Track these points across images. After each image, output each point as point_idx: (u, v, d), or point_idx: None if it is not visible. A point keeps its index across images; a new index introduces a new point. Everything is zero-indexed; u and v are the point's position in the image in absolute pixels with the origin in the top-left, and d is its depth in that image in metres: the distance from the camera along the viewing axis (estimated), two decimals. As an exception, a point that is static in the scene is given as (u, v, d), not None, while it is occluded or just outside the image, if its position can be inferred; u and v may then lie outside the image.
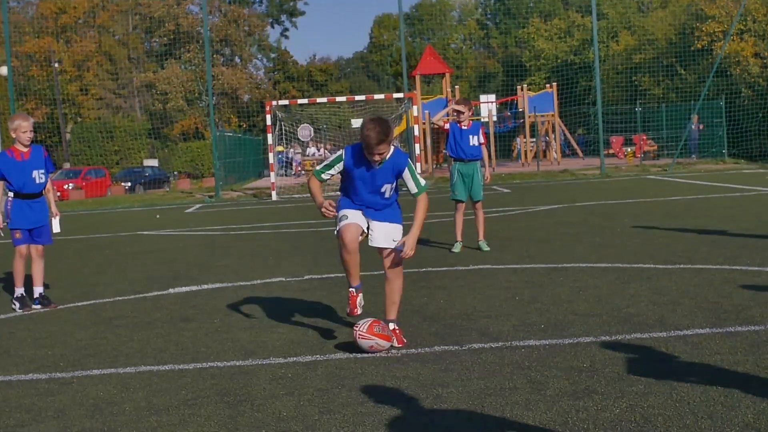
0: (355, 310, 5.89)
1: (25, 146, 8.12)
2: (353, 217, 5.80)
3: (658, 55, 42.29)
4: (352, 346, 5.85)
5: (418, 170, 25.28)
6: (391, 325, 5.85)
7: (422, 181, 5.78)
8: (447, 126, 10.54)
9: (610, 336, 5.76)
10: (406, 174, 5.73)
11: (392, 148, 5.72)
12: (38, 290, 8.33)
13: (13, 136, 8.10)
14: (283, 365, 5.55)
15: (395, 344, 5.79)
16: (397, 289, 5.89)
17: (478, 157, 10.58)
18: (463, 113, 10.45)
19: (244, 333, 6.57)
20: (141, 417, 4.65)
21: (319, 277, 9.24)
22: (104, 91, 58.38)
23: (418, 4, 74.88)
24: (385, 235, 5.83)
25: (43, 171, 8.21)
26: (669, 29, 42.39)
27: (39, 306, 8.27)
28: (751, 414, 4.09)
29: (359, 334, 5.62)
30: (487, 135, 11.41)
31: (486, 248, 10.48)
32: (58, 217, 8.59)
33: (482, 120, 33.09)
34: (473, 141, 10.48)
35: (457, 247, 10.61)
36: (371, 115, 5.66)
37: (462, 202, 10.69)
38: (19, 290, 8.25)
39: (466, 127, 10.47)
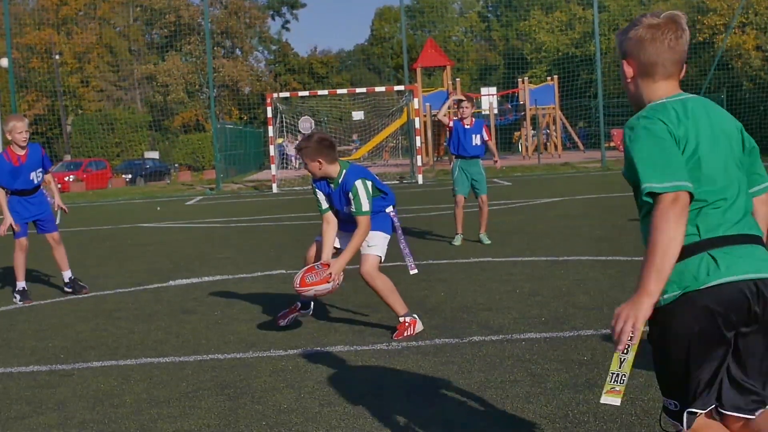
0: (281, 321, 6.16)
1: (22, 147, 8.04)
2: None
3: (660, 48, 42.21)
4: (353, 339, 5.88)
5: (419, 162, 25.24)
6: (401, 319, 5.88)
7: (365, 205, 5.69)
8: (451, 124, 10.59)
9: (610, 329, 5.75)
10: (351, 195, 5.71)
11: (343, 171, 5.78)
12: (67, 275, 8.43)
13: (9, 138, 8.02)
14: (283, 357, 5.55)
15: (393, 336, 5.82)
16: (379, 292, 5.89)
17: (480, 154, 10.66)
18: (465, 103, 10.65)
19: (244, 325, 6.58)
20: (141, 409, 4.65)
21: (319, 269, 9.23)
22: (105, 83, 58.28)
23: (419, -3, 74.70)
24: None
25: (40, 170, 8.20)
26: (670, 22, 42.31)
27: (71, 290, 8.38)
28: (752, 407, 4.08)
29: (297, 290, 5.85)
30: (489, 128, 11.49)
31: (487, 241, 10.48)
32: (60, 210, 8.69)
33: (483, 113, 33.05)
34: (476, 140, 10.56)
35: (457, 240, 10.62)
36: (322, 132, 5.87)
37: (463, 196, 10.71)
38: (20, 284, 8.23)
39: (469, 126, 10.53)
